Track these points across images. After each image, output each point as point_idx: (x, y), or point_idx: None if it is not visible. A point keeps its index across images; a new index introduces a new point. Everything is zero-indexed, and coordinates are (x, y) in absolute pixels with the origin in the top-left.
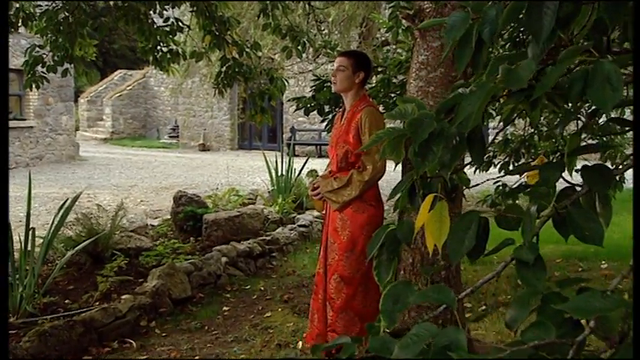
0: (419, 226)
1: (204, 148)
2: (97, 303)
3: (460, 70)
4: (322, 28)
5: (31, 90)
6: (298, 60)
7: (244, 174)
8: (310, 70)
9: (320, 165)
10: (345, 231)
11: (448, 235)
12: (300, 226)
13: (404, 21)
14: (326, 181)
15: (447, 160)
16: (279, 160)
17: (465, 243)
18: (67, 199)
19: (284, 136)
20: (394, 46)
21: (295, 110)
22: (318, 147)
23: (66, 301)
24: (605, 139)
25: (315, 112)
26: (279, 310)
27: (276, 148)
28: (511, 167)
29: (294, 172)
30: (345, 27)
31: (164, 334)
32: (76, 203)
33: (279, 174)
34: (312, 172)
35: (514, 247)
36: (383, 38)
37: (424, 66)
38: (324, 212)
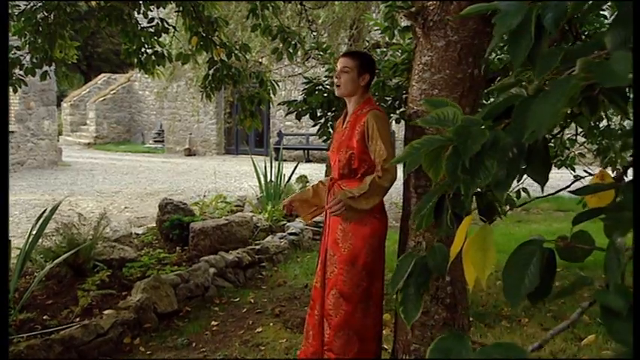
0: (455, 253)
1: (190, 152)
2: (78, 319)
3: (517, 66)
4: (312, 30)
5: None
6: (286, 63)
7: (231, 179)
8: (299, 74)
9: (309, 170)
10: (346, 243)
11: (503, 270)
12: (290, 234)
13: (402, 21)
14: (343, 191)
15: (502, 176)
16: (267, 165)
17: (526, 282)
18: (46, 209)
19: (271, 140)
20: (385, 49)
21: (287, 115)
22: (306, 151)
23: (44, 317)
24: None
25: (304, 116)
26: (271, 324)
27: (264, 153)
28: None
29: (284, 177)
30: (335, 29)
31: (149, 352)
32: (57, 211)
33: (268, 180)
34: (302, 178)
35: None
36: (373, 41)
37: (428, 67)
38: (323, 223)
